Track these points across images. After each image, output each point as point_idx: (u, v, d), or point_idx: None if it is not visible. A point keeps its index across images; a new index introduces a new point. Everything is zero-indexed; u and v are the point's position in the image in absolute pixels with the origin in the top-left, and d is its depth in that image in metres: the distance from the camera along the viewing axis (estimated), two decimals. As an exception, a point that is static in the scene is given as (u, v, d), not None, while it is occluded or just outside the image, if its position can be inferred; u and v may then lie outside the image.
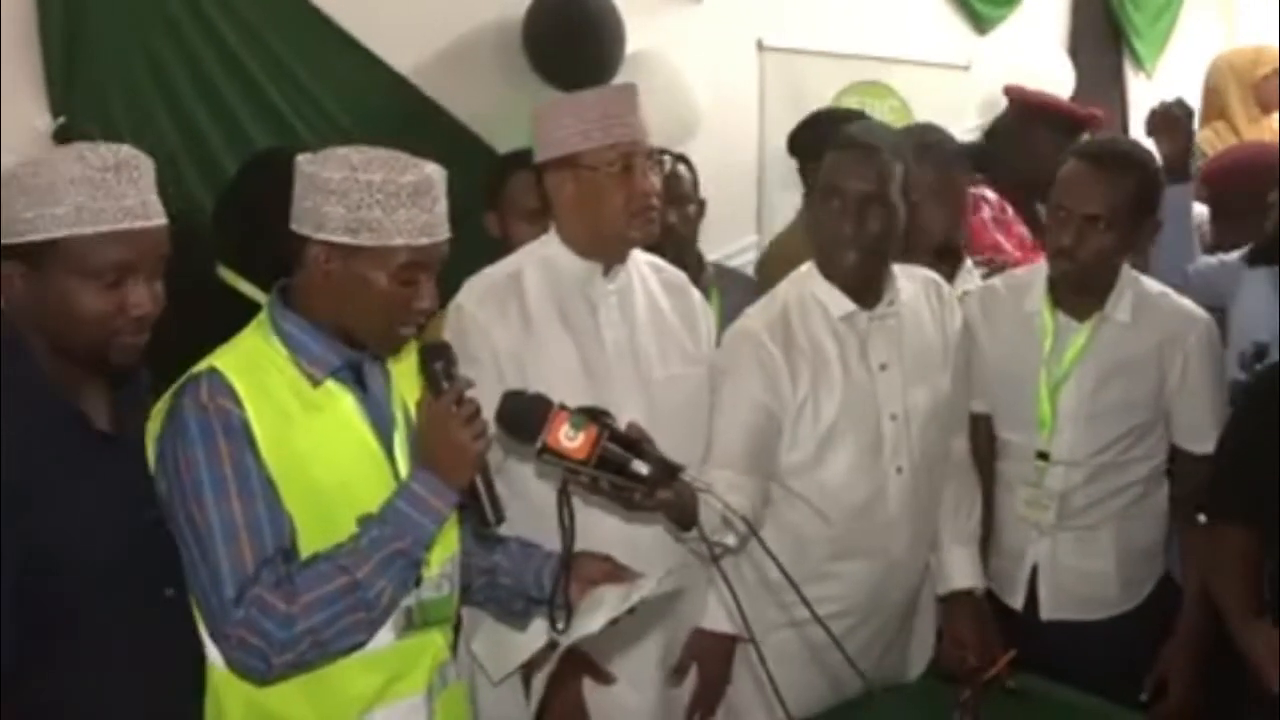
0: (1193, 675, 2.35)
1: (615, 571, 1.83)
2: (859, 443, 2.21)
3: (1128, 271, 2.36)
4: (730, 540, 2.05)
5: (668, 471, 1.72)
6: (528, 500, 2.09)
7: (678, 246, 3.06)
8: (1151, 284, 2.39)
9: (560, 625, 1.75)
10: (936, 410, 2.28)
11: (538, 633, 2.03)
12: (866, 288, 2.22)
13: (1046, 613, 2.41)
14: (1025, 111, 3.45)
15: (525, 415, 1.71)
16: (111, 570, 1.62)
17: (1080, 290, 2.33)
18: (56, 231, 1.56)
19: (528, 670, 2.13)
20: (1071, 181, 2.28)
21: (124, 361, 1.65)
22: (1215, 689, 2.38)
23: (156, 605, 1.67)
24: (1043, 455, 2.36)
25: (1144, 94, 5.61)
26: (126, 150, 1.62)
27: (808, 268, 2.28)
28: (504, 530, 1.96)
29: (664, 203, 3.03)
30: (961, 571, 2.34)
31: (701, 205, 3.08)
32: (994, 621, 2.37)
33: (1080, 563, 2.39)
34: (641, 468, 1.69)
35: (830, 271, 2.22)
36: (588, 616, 1.71)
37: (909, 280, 2.30)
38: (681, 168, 3.05)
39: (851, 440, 2.20)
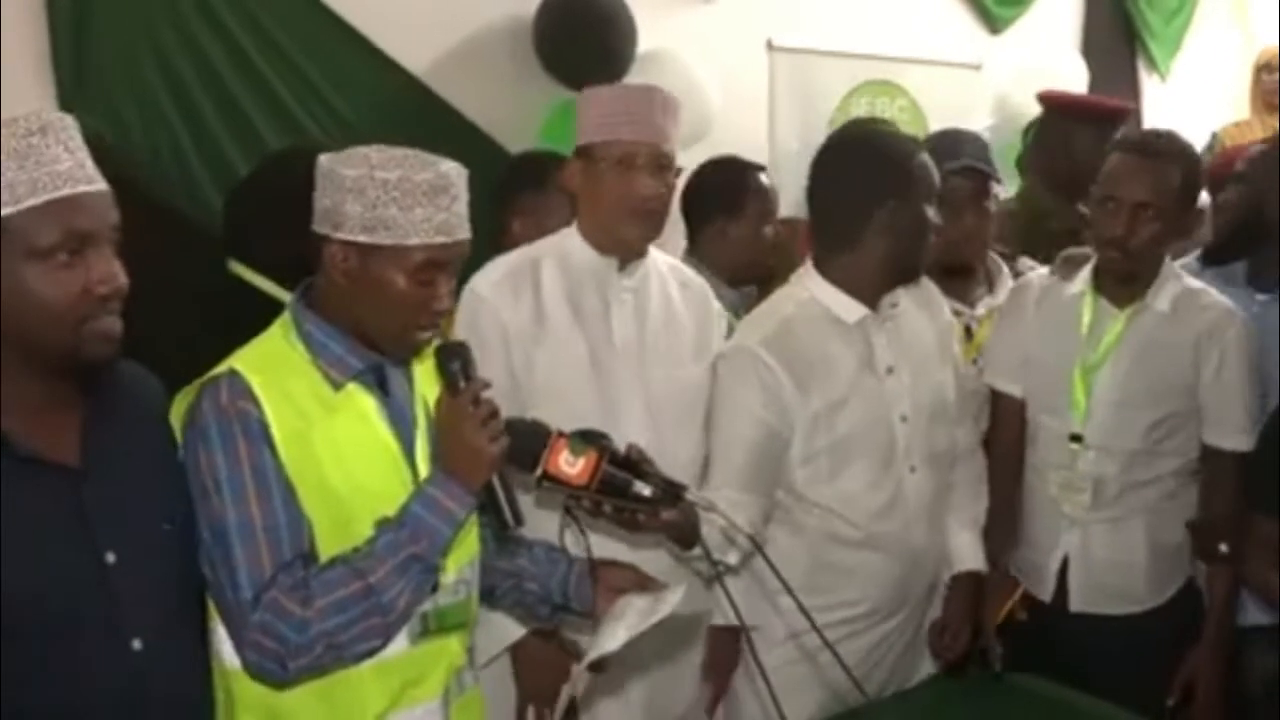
0: (1219, 681, 2.35)
1: (642, 580, 1.80)
2: (874, 449, 2.20)
3: (1170, 264, 2.39)
4: (732, 559, 2.04)
5: (671, 492, 1.69)
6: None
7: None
8: (1192, 280, 2.42)
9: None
10: (940, 405, 2.29)
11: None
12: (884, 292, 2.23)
13: (1076, 605, 2.40)
14: (1062, 113, 3.45)
15: (523, 443, 1.67)
16: (62, 628, 1.44)
17: (1126, 279, 2.36)
18: None
19: (519, 660, 2.13)
20: (1119, 172, 2.32)
21: (98, 354, 1.48)
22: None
23: (123, 661, 1.49)
24: (1075, 438, 2.37)
25: (1158, 95, 5.60)
26: (49, 113, 1.47)
27: (803, 274, 2.26)
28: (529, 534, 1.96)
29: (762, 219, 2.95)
30: (965, 555, 2.37)
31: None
32: (984, 603, 2.40)
33: (1112, 555, 2.38)
34: (644, 489, 1.67)
35: (835, 276, 2.20)
36: (611, 628, 1.67)
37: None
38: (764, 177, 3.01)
39: (866, 447, 2.19)
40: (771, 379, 2.13)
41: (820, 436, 2.16)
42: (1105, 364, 2.35)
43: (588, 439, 1.67)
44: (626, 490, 1.66)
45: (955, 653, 2.32)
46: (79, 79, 3.00)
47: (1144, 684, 2.29)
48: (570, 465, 1.65)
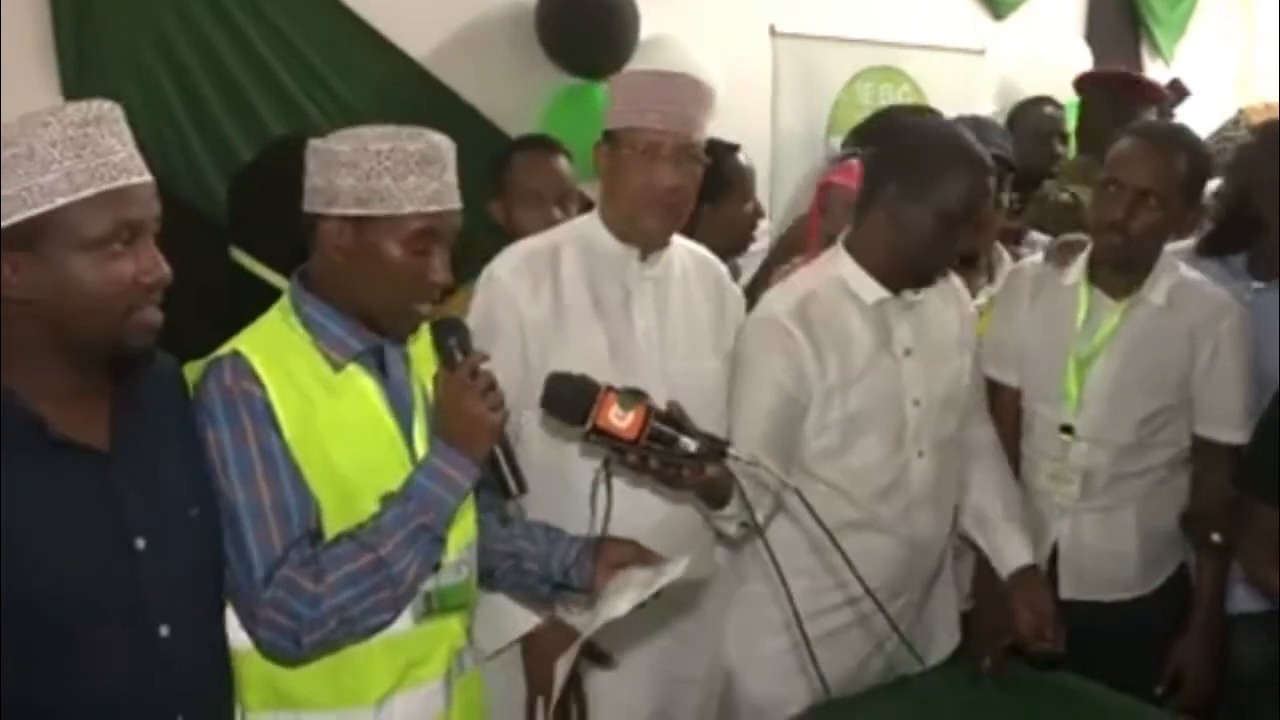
0: (1209, 669, 2.35)
1: (642, 555, 1.82)
2: (884, 428, 2.20)
3: (1167, 256, 2.38)
4: (759, 517, 2.03)
5: (715, 448, 1.70)
6: (554, 484, 2.07)
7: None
8: (1188, 271, 2.40)
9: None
10: (954, 394, 2.29)
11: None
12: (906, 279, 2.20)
13: (1066, 592, 2.39)
14: (1110, 91, 3.48)
15: (573, 397, 1.68)
16: (84, 610, 1.44)
17: (1122, 268, 2.34)
18: (47, 204, 1.38)
19: (530, 650, 2.12)
20: (1126, 156, 2.30)
21: (139, 344, 1.49)
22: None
23: (150, 647, 1.49)
24: (1067, 429, 2.36)
25: (1162, 80, 5.58)
26: (100, 102, 1.45)
27: (833, 252, 2.25)
28: (529, 514, 1.97)
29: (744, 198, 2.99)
30: (1018, 551, 2.31)
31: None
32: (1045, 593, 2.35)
33: (1102, 543, 2.39)
34: (689, 445, 1.68)
35: (862, 257, 2.19)
36: (613, 600, 1.70)
37: None
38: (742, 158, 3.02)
39: (877, 426, 2.19)
40: (794, 346, 2.13)
41: (834, 409, 2.16)
42: (1099, 356, 2.34)
43: (633, 394, 1.68)
44: (673, 445, 1.67)
45: (1059, 644, 2.24)
46: (81, 67, 3.01)
47: (1135, 670, 2.29)
48: (620, 419, 1.65)
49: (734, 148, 3.08)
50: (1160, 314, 2.33)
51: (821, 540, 2.16)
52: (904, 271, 2.19)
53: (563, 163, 2.84)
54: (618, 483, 1.78)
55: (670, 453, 1.68)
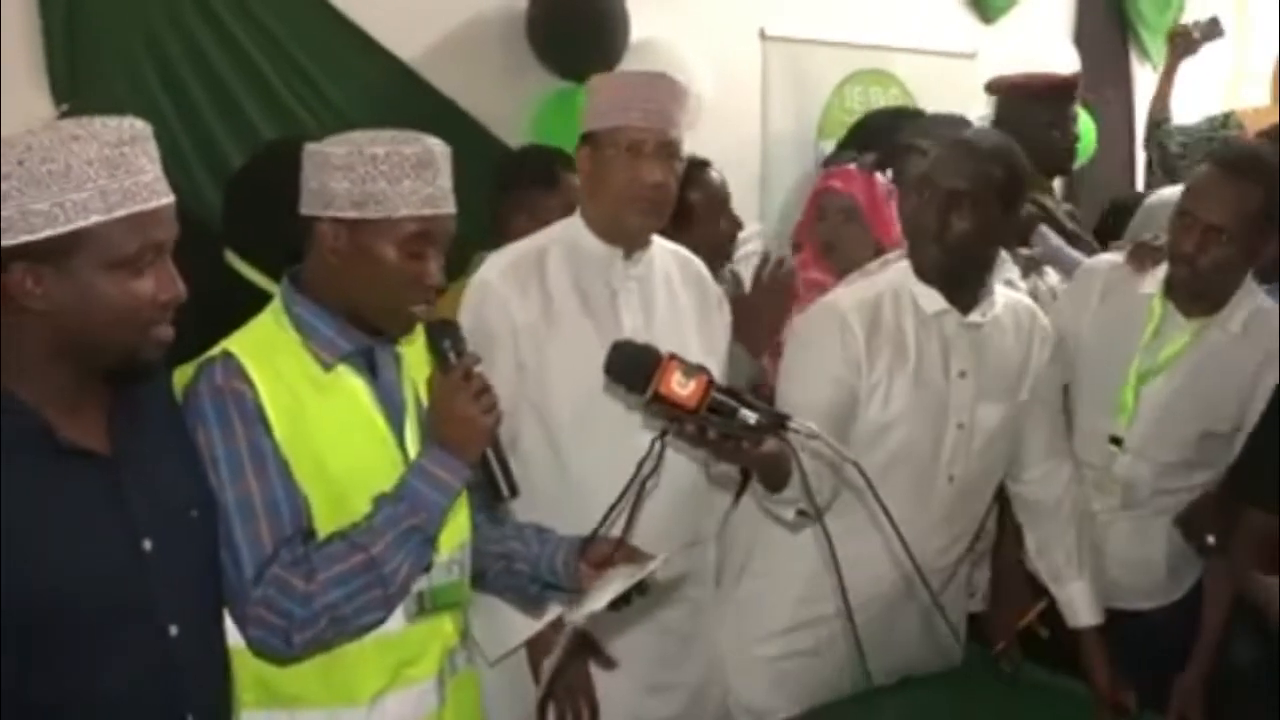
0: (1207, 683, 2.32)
1: (628, 553, 1.83)
2: (920, 442, 2.16)
3: (1250, 282, 2.32)
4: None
5: (775, 421, 1.69)
6: (552, 490, 2.10)
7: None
8: (1266, 299, 2.33)
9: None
10: (1001, 431, 2.23)
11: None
12: (957, 288, 2.16)
13: None
14: (1019, 96, 3.51)
15: (635, 364, 1.69)
16: (98, 613, 1.46)
17: (1194, 298, 2.30)
18: (80, 221, 1.38)
19: (536, 654, 2.12)
20: (1200, 188, 2.23)
21: (152, 358, 1.51)
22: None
23: (160, 647, 1.51)
24: (1115, 440, 2.33)
25: (1150, 85, 5.60)
26: (133, 121, 1.46)
27: (909, 261, 2.22)
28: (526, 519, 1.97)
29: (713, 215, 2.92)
30: (1081, 608, 2.29)
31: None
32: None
33: (1129, 551, 2.37)
34: (749, 416, 1.67)
35: (916, 264, 2.17)
36: (594, 595, 1.71)
37: (1003, 299, 2.24)
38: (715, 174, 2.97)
39: (913, 438, 2.15)
40: (851, 339, 2.12)
41: (873, 411, 2.14)
42: (1161, 373, 2.30)
43: (693, 367, 1.68)
44: (733, 416, 1.67)
45: (1130, 700, 2.24)
46: (71, 68, 3.00)
47: (1156, 681, 2.27)
48: (682, 387, 1.65)
49: (703, 163, 2.98)
50: (1233, 342, 2.28)
51: (824, 547, 2.16)
52: (922, 266, 2.15)
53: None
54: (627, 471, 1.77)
55: (729, 424, 1.67)
